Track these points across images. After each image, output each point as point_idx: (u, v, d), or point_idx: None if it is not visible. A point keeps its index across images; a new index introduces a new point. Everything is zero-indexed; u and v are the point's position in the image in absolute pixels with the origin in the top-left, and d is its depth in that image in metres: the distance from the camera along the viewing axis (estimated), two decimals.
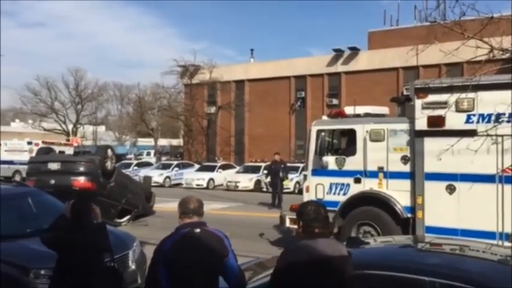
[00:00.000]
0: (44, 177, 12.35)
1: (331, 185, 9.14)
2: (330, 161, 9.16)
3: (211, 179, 26.67)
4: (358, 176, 8.86)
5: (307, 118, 36.48)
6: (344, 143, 10.12)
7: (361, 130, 8.85)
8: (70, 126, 54.91)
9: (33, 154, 28.44)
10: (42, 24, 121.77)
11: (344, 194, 8.99)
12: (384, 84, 32.56)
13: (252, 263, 5.01)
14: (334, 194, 9.09)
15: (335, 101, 35.21)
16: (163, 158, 43.11)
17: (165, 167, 29.84)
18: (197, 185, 25.98)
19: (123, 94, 64.28)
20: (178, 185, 27.47)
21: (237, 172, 27.17)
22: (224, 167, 28.81)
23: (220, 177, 26.84)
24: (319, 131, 9.33)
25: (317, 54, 57.96)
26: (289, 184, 22.63)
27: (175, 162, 31.32)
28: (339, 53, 35.50)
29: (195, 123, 39.39)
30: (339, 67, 35.51)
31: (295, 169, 24.69)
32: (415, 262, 3.48)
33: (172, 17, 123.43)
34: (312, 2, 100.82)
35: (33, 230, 6.08)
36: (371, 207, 8.66)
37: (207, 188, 25.67)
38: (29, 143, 29.90)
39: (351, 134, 9.24)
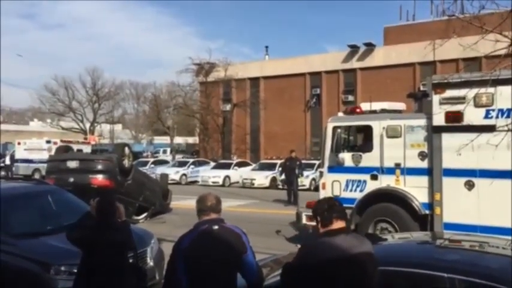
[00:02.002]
0: (63, 175, 12.53)
1: (347, 181, 9.07)
2: (346, 157, 9.08)
3: (227, 177, 26.76)
4: (374, 172, 8.79)
5: (323, 115, 36.31)
6: (360, 139, 10.02)
7: (378, 126, 8.76)
8: (87, 125, 55.54)
9: (52, 153, 29.02)
10: (61, 26, 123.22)
11: (361, 190, 8.91)
12: (400, 80, 32.27)
13: (268, 260, 5.02)
14: (351, 190, 9.02)
15: (351, 98, 34.99)
16: (178, 156, 43.32)
17: (181, 164, 30.03)
18: (213, 182, 26.08)
19: (140, 93, 64.79)
20: (194, 182, 27.63)
21: (253, 169, 27.21)
22: (240, 165, 28.88)
23: (236, 174, 26.92)
24: (335, 128, 9.27)
25: (332, 50, 57.57)
26: (305, 181, 22.60)
27: (191, 160, 31.49)
28: (354, 49, 35.25)
29: (211, 121, 39.51)
30: (355, 63, 35.25)
31: (311, 166, 24.64)
32: (433, 258, 3.46)
33: (190, 16, 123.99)
34: None
35: (53, 228, 6.19)
36: (388, 203, 8.58)
37: (222, 185, 25.76)
38: (48, 141, 30.33)
39: (367, 131, 9.16)
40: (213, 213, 3.42)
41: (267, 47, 46.07)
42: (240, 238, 3.36)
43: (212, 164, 30.52)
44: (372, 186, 8.80)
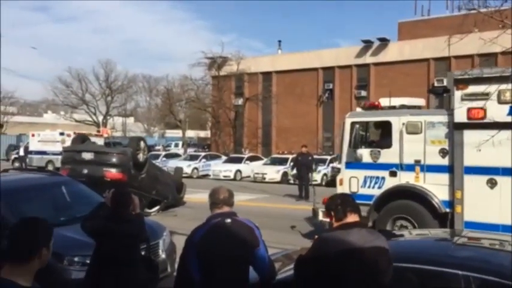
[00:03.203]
0: (78, 167, 12.61)
1: (365, 178, 8.96)
2: (365, 153, 8.97)
3: (239, 171, 26.79)
4: (393, 169, 8.65)
5: (335, 110, 36.19)
6: (378, 135, 9.89)
7: (397, 122, 8.64)
8: (100, 118, 55.90)
9: (65, 144, 29.33)
10: (74, 19, 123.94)
11: (379, 187, 8.80)
12: (413, 76, 31.97)
13: (279, 255, 5.02)
14: (369, 187, 8.90)
15: (363, 93, 34.79)
16: (190, 150, 43.47)
17: (193, 158, 30.12)
18: (224, 176, 26.13)
19: (152, 86, 65.01)
20: (205, 176, 27.71)
21: (264, 164, 27.19)
22: (251, 159, 28.89)
23: (248, 168, 26.93)
24: (353, 123, 9.15)
25: (345, 45, 57.23)
26: (316, 176, 22.54)
27: (203, 154, 31.58)
28: (368, 44, 34.98)
29: (223, 115, 39.56)
30: (368, 58, 34.99)
31: (323, 161, 24.57)
32: (448, 255, 3.42)
33: (203, 10, 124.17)
34: None
35: (66, 219, 6.24)
36: (407, 201, 8.46)
37: (234, 179, 25.79)
38: (61, 133, 30.61)
39: (386, 126, 9.03)
40: (226, 207, 3.41)
41: (279, 41, 46.10)
42: (253, 232, 3.34)
43: (224, 158, 30.57)
44: (390, 182, 8.68)
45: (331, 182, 23.12)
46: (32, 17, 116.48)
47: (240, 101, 39.85)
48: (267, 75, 39.41)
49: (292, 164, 22.00)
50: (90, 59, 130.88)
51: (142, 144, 13.48)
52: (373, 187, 8.86)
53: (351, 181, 9.05)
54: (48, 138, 30.63)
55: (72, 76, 54.92)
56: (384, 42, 34.47)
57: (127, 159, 12.54)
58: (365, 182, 8.96)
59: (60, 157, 28.69)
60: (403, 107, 9.31)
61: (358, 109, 10.11)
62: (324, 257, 2.91)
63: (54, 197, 7.02)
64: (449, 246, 3.65)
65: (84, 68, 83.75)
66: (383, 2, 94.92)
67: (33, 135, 31.78)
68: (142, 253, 4.74)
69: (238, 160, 28.29)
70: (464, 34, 5.75)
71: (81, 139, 15.51)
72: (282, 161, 26.01)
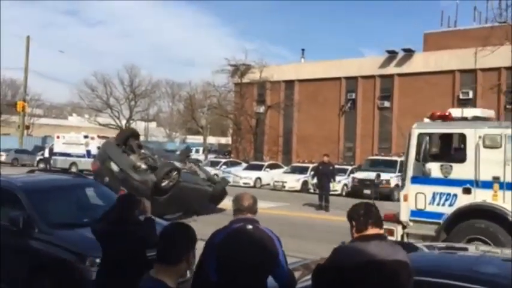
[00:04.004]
0: (103, 170, 12.69)
1: (434, 194, 8.26)
2: (434, 167, 8.27)
3: (258, 178, 26.77)
4: (467, 185, 7.99)
5: (357, 120, 35.95)
6: (446, 148, 9.27)
7: (473, 135, 7.97)
8: (123, 122, 56.68)
9: (89, 148, 29.82)
10: (103, 23, 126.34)
11: (450, 205, 8.10)
12: (438, 87, 31.56)
13: (299, 264, 4.99)
14: (438, 204, 8.21)
15: (387, 104, 34.48)
16: (211, 156, 43.61)
17: (213, 164, 30.24)
18: (244, 183, 26.10)
19: (175, 91, 65.70)
20: None
21: (284, 172, 27.13)
22: (271, 167, 28.84)
23: (268, 176, 26.89)
24: (421, 135, 8.49)
25: (369, 55, 56.88)
26: (337, 186, 22.39)
27: (223, 160, 31.67)
28: (392, 54, 34.70)
29: (244, 122, 39.68)
30: (392, 69, 34.70)
31: (343, 171, 24.39)
32: (471, 271, 3.36)
33: (228, 16, 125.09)
34: (367, 2, 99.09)
35: (89, 220, 6.34)
36: (484, 220, 7.76)
37: (253, 186, 25.76)
38: (85, 136, 31.15)
39: (459, 139, 8.52)
40: (249, 213, 3.43)
41: (303, 49, 45.99)
42: (273, 241, 3.33)
43: (244, 164, 30.60)
44: (464, 200, 8.00)
45: (351, 193, 22.99)
46: (62, 20, 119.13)
47: (262, 109, 39.93)
48: (289, 83, 39.42)
49: (312, 173, 21.91)
50: (116, 63, 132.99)
51: (173, 173, 12.93)
52: (443, 204, 8.17)
53: (417, 197, 8.36)
54: (73, 141, 31.20)
55: (98, 80, 55.84)
56: (409, 53, 34.15)
57: (146, 188, 12.11)
58: (434, 198, 8.26)
59: (83, 159, 29.46)
60: (476, 118, 8.66)
61: (426, 120, 9.28)
62: (342, 268, 2.87)
63: (78, 199, 7.15)
64: (473, 261, 3.58)
65: (110, 72, 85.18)
66: (409, 12, 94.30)
67: (58, 137, 32.41)
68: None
69: (258, 167, 28.28)
70: (495, 46, 5.65)
71: (123, 141, 13.85)
72: (302, 170, 25.90)
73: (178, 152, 15.68)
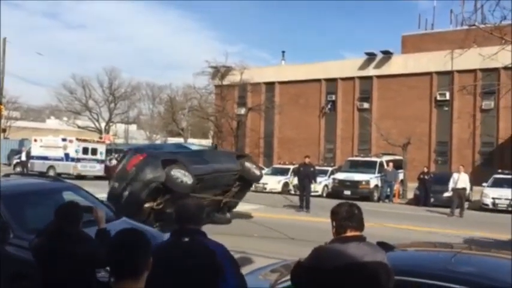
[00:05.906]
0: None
1: None
2: None
3: None
4: None
5: (337, 121, 36.24)
6: None
7: None
8: (103, 124, 56.05)
9: (67, 151, 29.36)
10: (83, 26, 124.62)
11: None
12: (416, 89, 32.06)
13: (279, 265, 5.00)
14: None
15: (366, 105, 34.84)
16: None
17: None
18: None
19: (155, 94, 65.27)
20: None
21: (265, 174, 27.15)
22: None
23: None
24: None
25: (349, 57, 57.40)
26: (318, 187, 22.54)
27: None
28: (371, 56, 35.11)
29: (225, 124, 39.61)
30: (371, 71, 35.10)
31: (324, 172, 24.56)
32: (448, 270, 3.40)
33: (211, 20, 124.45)
34: (346, 4, 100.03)
35: None
36: None
37: None
38: (64, 139, 30.66)
39: None
40: (192, 224, 2.99)
41: (283, 52, 46.30)
42: (214, 257, 2.83)
43: None
44: None
45: (332, 193, 23.14)
46: (40, 22, 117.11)
47: (243, 111, 39.92)
48: (270, 85, 39.53)
49: (293, 174, 22.01)
50: (97, 67, 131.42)
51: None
52: None
53: None
54: (51, 144, 30.66)
55: (77, 82, 55.24)
56: (387, 55, 34.60)
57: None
58: None
59: (61, 163, 28.96)
60: None
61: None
62: (321, 269, 2.87)
63: (56, 203, 6.99)
64: (450, 260, 3.63)
65: (89, 74, 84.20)
66: (387, 15, 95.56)
67: (35, 140, 31.83)
68: (102, 279, 3.67)
69: None
70: (465, 49, 5.78)
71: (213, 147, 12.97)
72: (283, 172, 26.00)
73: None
